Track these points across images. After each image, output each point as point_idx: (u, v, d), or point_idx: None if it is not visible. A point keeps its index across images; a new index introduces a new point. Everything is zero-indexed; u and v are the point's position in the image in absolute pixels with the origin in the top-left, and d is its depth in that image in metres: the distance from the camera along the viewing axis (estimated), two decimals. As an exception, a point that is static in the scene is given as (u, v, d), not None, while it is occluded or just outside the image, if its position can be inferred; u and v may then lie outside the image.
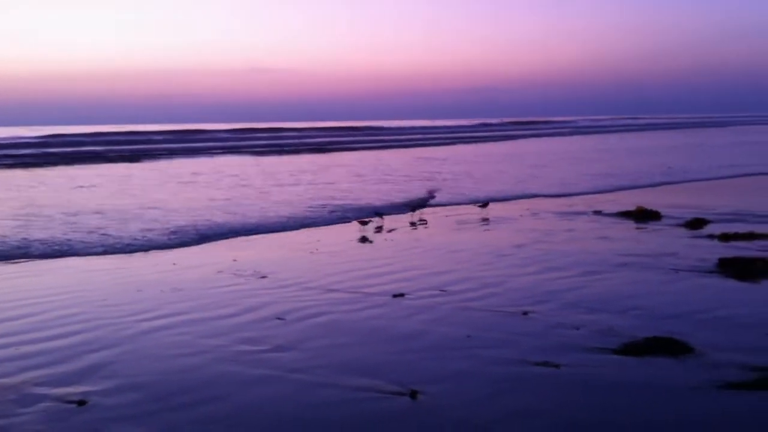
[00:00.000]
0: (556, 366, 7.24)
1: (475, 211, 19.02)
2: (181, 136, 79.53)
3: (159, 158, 48.03)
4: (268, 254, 13.70)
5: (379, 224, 17.03)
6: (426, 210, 19.77)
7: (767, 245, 13.15)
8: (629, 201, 19.81)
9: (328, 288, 10.76)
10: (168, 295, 10.52)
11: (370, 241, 14.95)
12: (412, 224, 17.30)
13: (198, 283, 11.33)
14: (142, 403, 6.59)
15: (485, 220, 17.81)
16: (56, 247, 14.42)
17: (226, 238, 15.56)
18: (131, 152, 53.07)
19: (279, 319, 9.16)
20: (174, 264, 12.90)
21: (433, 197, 21.64)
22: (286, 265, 12.53)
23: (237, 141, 73.14)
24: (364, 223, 16.60)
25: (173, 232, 15.98)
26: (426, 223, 17.43)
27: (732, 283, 10.62)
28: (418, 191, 24.08)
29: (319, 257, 13.33)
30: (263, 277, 11.62)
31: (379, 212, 18.11)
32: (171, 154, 52.56)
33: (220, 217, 18.12)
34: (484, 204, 19.34)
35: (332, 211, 19.32)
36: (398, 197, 22.46)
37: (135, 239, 15.21)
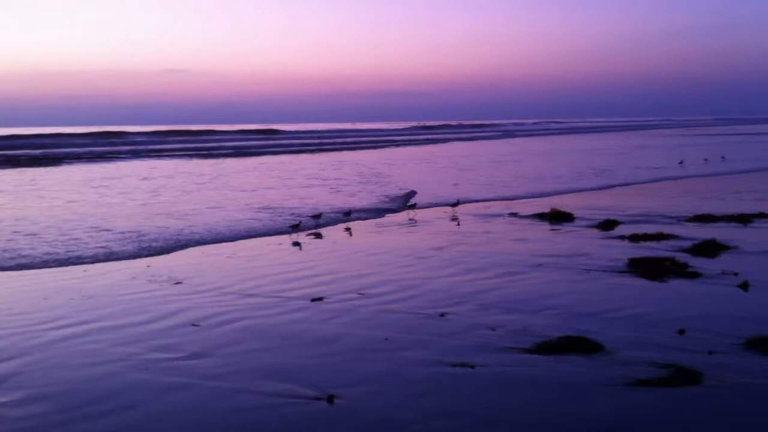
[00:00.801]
0: (472, 366, 7.33)
1: (447, 210, 19.74)
2: (96, 140, 77.31)
3: (78, 162, 46.56)
4: (184, 259, 13.43)
5: (314, 229, 16.81)
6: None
7: (675, 245, 13.63)
8: (547, 202, 20.30)
9: (246, 293, 10.62)
10: (78, 303, 10.19)
11: (299, 245, 14.79)
12: (411, 220, 18.36)
13: (110, 290, 11.02)
14: (51, 414, 6.39)
15: (455, 218, 18.38)
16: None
17: (157, 253, 14.58)
18: (45, 156, 51.31)
19: (194, 325, 8.99)
20: (84, 271, 12.50)
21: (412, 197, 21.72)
22: (203, 271, 12.32)
23: (158, 144, 71.49)
24: (297, 227, 16.37)
25: (93, 242, 15.48)
26: (415, 222, 17.98)
27: (642, 283, 10.96)
28: (357, 196, 24.11)
29: (238, 262, 13.14)
30: (178, 282, 11.38)
31: (315, 215, 17.74)
32: (90, 158, 50.77)
33: (148, 227, 17.63)
34: (455, 204, 20.07)
35: (270, 217, 18.82)
36: (337, 202, 22.01)
37: (44, 249, 14.65)
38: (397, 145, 71.55)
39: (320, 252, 14.07)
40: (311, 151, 60.10)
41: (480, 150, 60.48)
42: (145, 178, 32.30)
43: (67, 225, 17.35)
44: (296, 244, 15.00)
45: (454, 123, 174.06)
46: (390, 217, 19.08)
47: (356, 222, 18.23)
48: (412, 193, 24.21)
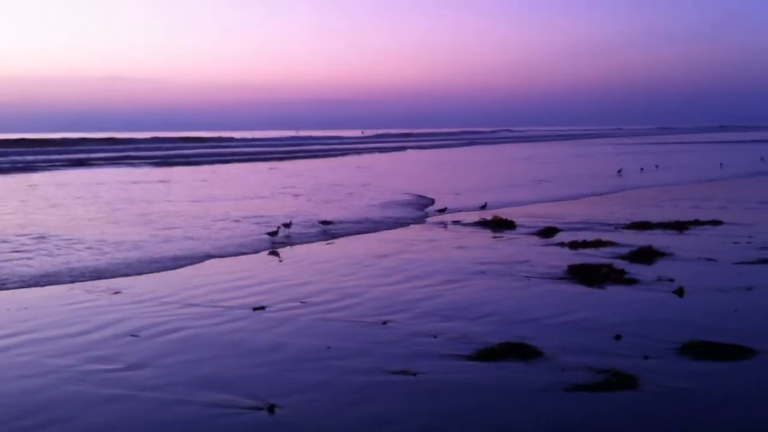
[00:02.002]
0: (414, 374, 7.36)
1: (476, 213, 20.48)
2: (41, 148, 74.94)
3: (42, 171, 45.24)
4: (124, 269, 13.14)
5: (287, 234, 16.61)
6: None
7: (613, 252, 13.92)
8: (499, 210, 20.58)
9: (186, 303, 10.47)
10: (12, 314, 9.93)
11: (278, 255, 14.58)
12: (443, 224, 18.71)
13: (46, 300, 10.77)
14: (-18, 428, 6.19)
15: (484, 219, 18.71)
16: None
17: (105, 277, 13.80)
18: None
19: (133, 335, 8.82)
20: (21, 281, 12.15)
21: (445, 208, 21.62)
22: (142, 280, 12.12)
23: (108, 152, 69.67)
24: (274, 234, 16.15)
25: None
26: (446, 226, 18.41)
27: (580, 289, 11.16)
28: (335, 204, 23.87)
29: (179, 272, 12.95)
30: (117, 292, 11.16)
31: (286, 223, 17.29)
32: (44, 166, 48.98)
33: (96, 237, 17.23)
34: (483, 206, 21.57)
35: (244, 226, 18.39)
36: (307, 213, 21.25)
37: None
38: (351, 154, 71.24)
39: (261, 261, 14.02)
40: (271, 159, 59.40)
41: (458, 158, 60.79)
42: (93, 186, 31.65)
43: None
44: (276, 253, 14.79)
45: (411, 131, 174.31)
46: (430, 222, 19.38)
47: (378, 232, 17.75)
48: (430, 201, 24.32)
